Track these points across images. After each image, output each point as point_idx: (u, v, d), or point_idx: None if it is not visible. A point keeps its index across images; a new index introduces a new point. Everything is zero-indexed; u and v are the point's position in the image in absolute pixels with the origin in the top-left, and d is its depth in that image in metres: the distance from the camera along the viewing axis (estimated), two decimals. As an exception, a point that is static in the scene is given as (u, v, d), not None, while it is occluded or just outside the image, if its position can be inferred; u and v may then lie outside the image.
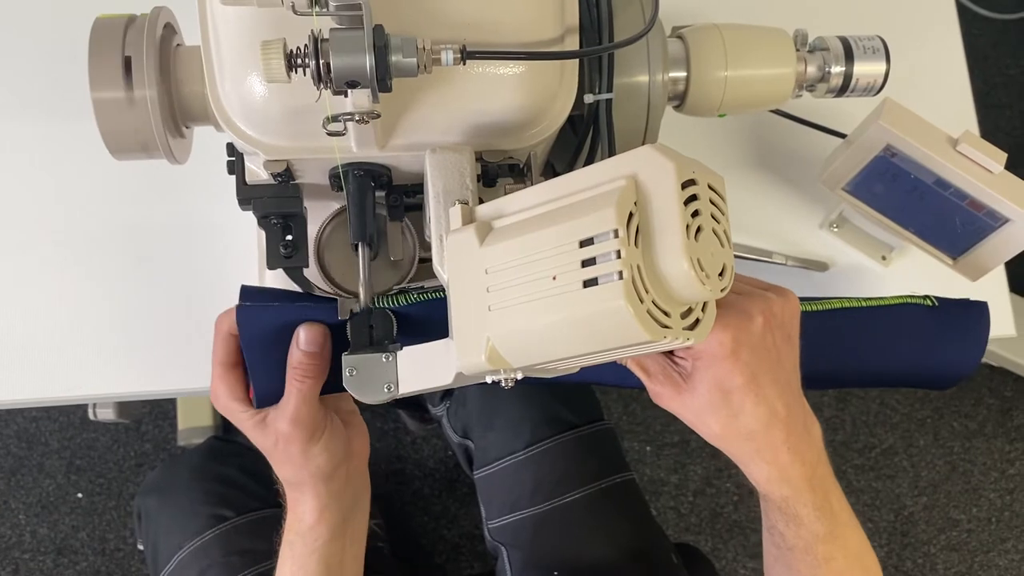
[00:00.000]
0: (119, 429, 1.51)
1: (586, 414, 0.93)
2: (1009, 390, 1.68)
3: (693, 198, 0.40)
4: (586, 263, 0.40)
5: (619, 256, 0.38)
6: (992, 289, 0.83)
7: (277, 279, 0.74)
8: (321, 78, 0.42)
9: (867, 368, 0.64)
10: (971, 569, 1.60)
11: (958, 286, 0.79)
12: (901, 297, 0.64)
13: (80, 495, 1.49)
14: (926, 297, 0.65)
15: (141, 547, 0.93)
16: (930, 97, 0.75)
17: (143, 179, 0.80)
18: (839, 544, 0.55)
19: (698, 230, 0.40)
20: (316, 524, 0.58)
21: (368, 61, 0.42)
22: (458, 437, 1.00)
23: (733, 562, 1.56)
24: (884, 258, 0.83)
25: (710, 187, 0.41)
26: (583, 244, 0.40)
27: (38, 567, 1.47)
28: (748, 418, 0.51)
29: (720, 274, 0.41)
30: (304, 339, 0.53)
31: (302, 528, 0.58)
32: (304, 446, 0.54)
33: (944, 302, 0.65)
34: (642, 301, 0.39)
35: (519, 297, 0.42)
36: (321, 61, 0.42)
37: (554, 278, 0.41)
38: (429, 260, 0.50)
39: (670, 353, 0.53)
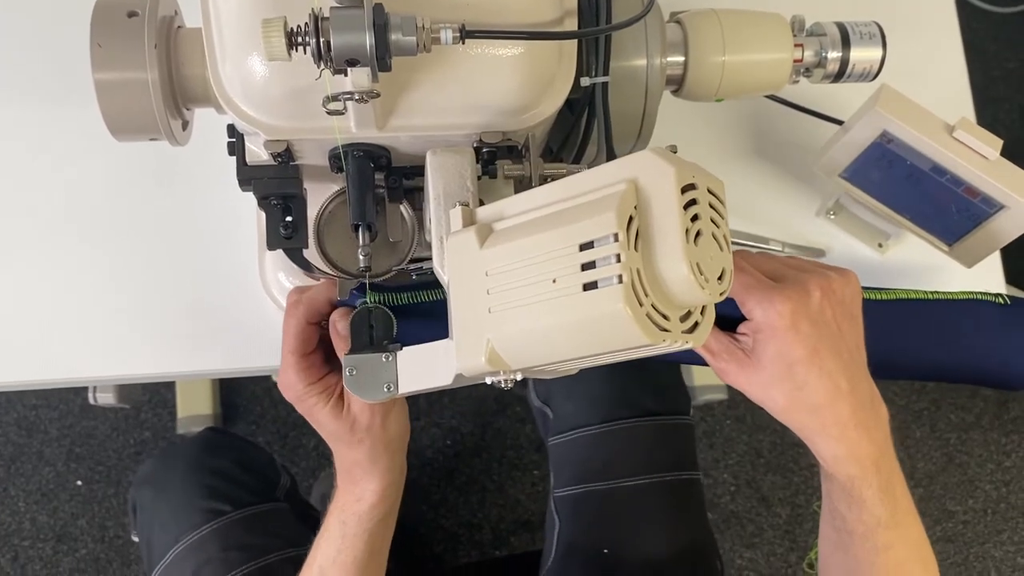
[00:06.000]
0: (118, 417, 1.52)
1: (670, 405, 0.93)
2: (1005, 382, 1.69)
3: (693, 202, 0.40)
4: (586, 266, 0.40)
5: (619, 260, 0.39)
6: (988, 276, 0.83)
7: (277, 259, 0.74)
8: (321, 56, 0.43)
9: (932, 360, 0.62)
10: (967, 560, 1.61)
11: (954, 273, 0.80)
12: (970, 293, 0.63)
13: (79, 483, 1.50)
14: (997, 295, 0.63)
15: (136, 539, 0.93)
16: (928, 90, 0.75)
17: (144, 162, 0.80)
18: (900, 533, 0.54)
19: (697, 234, 0.40)
20: (378, 503, 0.59)
21: (368, 39, 0.42)
22: (539, 402, 1.00)
23: (730, 552, 1.56)
24: (881, 245, 0.83)
25: (710, 191, 0.41)
26: (583, 248, 0.40)
27: (37, 554, 1.47)
28: (812, 391, 0.50)
29: (719, 278, 0.41)
30: (338, 323, 0.55)
31: (360, 508, 0.59)
32: (384, 418, 0.56)
33: (1016, 301, 0.64)
34: (641, 305, 0.39)
35: (519, 299, 0.42)
36: (321, 39, 0.42)
37: (554, 281, 0.41)
38: (428, 258, 0.50)
39: (731, 328, 0.53)
